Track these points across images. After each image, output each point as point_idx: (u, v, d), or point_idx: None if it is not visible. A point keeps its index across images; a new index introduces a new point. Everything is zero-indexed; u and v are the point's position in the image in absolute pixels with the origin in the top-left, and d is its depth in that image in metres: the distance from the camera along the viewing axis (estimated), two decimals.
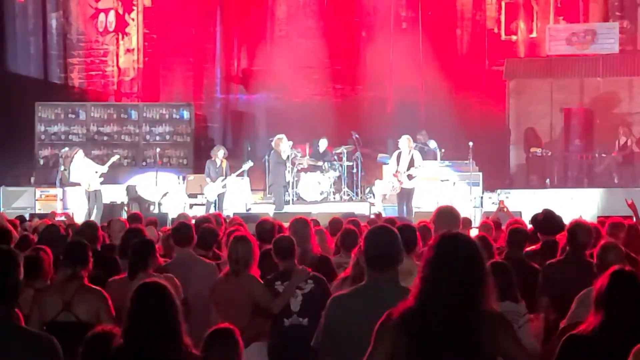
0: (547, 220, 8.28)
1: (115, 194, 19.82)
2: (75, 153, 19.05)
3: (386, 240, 4.77)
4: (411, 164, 17.79)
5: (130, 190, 20.08)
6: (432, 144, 20.41)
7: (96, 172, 18.78)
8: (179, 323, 4.32)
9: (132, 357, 4.27)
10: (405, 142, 18.03)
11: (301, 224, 7.77)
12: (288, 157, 19.21)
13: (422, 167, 17.85)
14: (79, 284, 6.30)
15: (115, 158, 19.82)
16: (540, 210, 8.94)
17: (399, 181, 17.83)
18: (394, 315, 3.90)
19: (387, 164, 21.24)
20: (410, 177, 17.73)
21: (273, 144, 19.19)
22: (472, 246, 3.92)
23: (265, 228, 8.35)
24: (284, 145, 19.04)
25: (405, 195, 17.85)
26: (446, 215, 7.35)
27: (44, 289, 6.39)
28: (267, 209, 18.90)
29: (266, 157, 20.24)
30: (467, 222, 11.43)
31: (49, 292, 6.27)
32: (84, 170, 18.76)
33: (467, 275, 3.83)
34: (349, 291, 4.94)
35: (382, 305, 4.59)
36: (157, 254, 7.27)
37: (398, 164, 17.97)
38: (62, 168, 20.28)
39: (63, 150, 20.90)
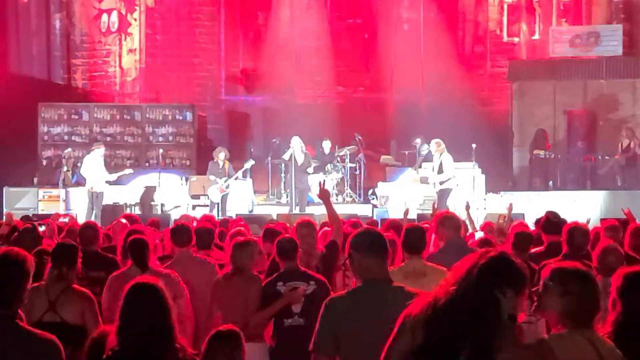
0: (551, 222, 8.28)
1: (117, 195, 19.79)
2: (98, 147, 19.04)
3: (374, 241, 4.81)
4: (440, 168, 17.98)
5: (148, 191, 20.01)
6: (425, 148, 20.49)
7: (105, 177, 18.79)
8: (172, 322, 4.33)
9: (125, 356, 4.28)
10: (433, 146, 18.28)
11: (307, 226, 7.76)
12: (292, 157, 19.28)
13: (447, 172, 18.01)
14: (65, 285, 6.28)
15: (127, 171, 19.81)
16: (543, 213, 8.94)
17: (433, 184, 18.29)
18: (413, 312, 3.88)
19: (390, 165, 21.32)
20: (441, 182, 18.06)
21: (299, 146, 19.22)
22: None
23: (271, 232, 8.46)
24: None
25: (441, 197, 17.99)
26: (451, 220, 7.42)
27: (32, 290, 6.37)
28: (270, 210, 18.90)
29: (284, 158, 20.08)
30: (464, 226, 11.40)
31: (36, 293, 6.22)
32: (97, 168, 18.73)
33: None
34: (344, 293, 4.97)
35: (379, 305, 4.61)
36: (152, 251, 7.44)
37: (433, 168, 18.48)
38: (65, 169, 20.28)
39: (66, 151, 20.91)
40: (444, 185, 17.99)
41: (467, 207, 11.92)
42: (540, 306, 4.01)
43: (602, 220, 12.74)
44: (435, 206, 12.99)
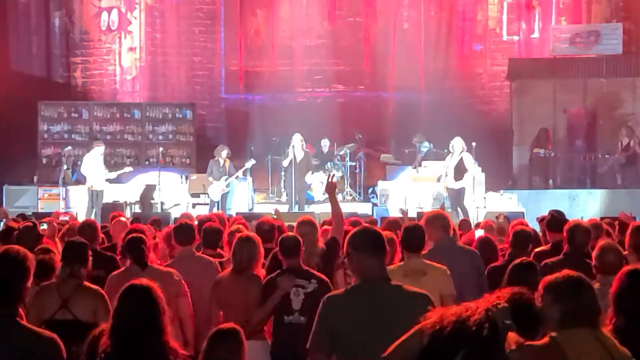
0: (556, 220, 8.27)
1: (117, 193, 19.77)
2: (98, 146, 19.06)
3: (373, 240, 4.80)
4: (460, 164, 17.70)
5: (148, 190, 19.99)
6: (425, 146, 20.43)
7: (105, 175, 18.79)
8: (164, 324, 4.34)
9: (116, 357, 4.29)
10: (458, 144, 17.79)
11: (307, 224, 7.76)
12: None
13: (470, 170, 17.77)
14: (77, 283, 6.32)
15: (127, 169, 19.81)
16: (545, 212, 8.94)
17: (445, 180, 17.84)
18: (428, 319, 3.89)
19: (389, 164, 21.31)
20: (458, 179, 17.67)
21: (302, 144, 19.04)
22: None
23: (264, 229, 8.45)
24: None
25: (454, 197, 17.63)
26: (440, 220, 7.41)
27: (43, 287, 6.41)
28: (270, 209, 18.85)
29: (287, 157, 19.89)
30: (466, 225, 11.39)
31: (47, 291, 6.29)
32: (96, 167, 18.72)
33: None
34: (342, 291, 4.97)
35: (377, 303, 4.61)
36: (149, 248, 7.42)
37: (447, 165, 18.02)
38: (65, 167, 20.27)
39: (66, 149, 20.91)
40: (459, 184, 17.76)
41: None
42: (543, 322, 4.02)
43: (601, 219, 12.75)
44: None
